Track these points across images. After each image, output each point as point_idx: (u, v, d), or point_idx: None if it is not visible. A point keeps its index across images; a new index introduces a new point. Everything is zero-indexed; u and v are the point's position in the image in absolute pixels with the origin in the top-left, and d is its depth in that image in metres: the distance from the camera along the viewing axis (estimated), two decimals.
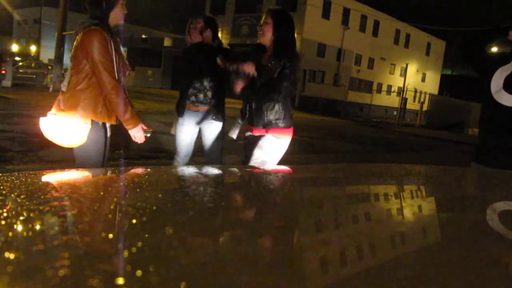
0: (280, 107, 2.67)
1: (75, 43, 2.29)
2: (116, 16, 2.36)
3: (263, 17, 2.71)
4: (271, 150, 2.73)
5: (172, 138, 3.41)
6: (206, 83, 3.10)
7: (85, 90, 2.26)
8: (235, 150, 4.90)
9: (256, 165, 2.71)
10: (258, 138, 2.75)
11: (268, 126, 2.69)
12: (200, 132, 3.26)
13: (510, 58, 2.36)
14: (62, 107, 2.29)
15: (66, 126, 2.27)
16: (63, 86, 2.38)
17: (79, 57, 2.25)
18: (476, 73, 2.57)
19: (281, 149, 2.79)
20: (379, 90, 34.53)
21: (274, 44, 2.67)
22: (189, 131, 3.22)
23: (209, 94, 3.12)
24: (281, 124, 2.70)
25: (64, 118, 2.27)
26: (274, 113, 2.67)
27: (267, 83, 2.64)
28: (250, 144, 2.82)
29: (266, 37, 2.69)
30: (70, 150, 2.40)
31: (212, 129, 3.19)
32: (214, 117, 3.15)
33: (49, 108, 2.38)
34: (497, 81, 2.36)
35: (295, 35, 2.81)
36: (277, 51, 2.64)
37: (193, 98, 3.13)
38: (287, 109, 2.72)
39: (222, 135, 3.24)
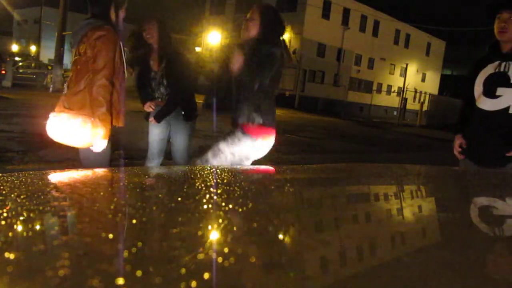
0: (251, 103, 2.45)
1: (82, 43, 2.26)
2: (119, 19, 2.38)
3: (250, 13, 2.55)
4: (237, 146, 2.51)
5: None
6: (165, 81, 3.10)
7: (91, 90, 2.25)
8: None
9: (212, 156, 2.53)
10: (231, 133, 2.56)
11: (240, 122, 2.49)
12: (170, 128, 3.26)
13: (487, 61, 2.42)
14: (69, 107, 2.27)
15: (75, 126, 2.26)
16: (65, 88, 2.36)
17: (89, 56, 2.22)
18: None
19: (252, 149, 2.54)
20: (379, 90, 34.53)
21: (255, 40, 2.49)
22: (160, 128, 3.21)
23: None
24: (251, 122, 2.46)
25: (72, 118, 2.26)
26: (245, 110, 2.46)
27: (240, 78, 2.46)
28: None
29: (250, 33, 2.51)
30: (71, 150, 2.39)
31: (182, 126, 3.19)
32: (183, 113, 3.15)
33: (51, 109, 2.36)
34: (478, 86, 2.44)
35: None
36: (258, 47, 2.46)
37: (157, 94, 3.15)
38: (261, 106, 2.49)
39: (192, 133, 3.26)
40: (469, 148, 2.50)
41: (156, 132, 3.23)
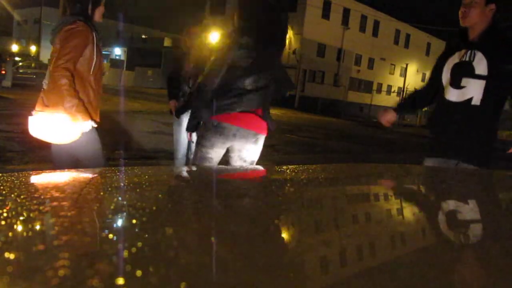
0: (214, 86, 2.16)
1: (57, 40, 2.27)
2: (100, 14, 2.38)
3: None
4: (199, 132, 2.30)
5: (172, 138, 3.52)
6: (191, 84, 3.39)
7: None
8: None
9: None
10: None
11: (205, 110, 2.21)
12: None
13: (455, 48, 2.37)
14: (47, 104, 2.28)
15: (53, 123, 2.26)
16: (45, 84, 2.37)
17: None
18: None
19: (213, 133, 2.23)
20: (379, 90, 34.54)
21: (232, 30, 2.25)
22: (183, 127, 3.45)
23: None
24: (217, 109, 2.18)
25: (49, 115, 2.26)
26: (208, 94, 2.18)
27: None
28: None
29: (233, 22, 2.25)
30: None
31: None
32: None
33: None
34: (445, 75, 2.39)
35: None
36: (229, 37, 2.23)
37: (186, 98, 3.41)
38: (229, 91, 2.16)
39: None
40: (435, 140, 2.47)
41: (179, 130, 3.51)
